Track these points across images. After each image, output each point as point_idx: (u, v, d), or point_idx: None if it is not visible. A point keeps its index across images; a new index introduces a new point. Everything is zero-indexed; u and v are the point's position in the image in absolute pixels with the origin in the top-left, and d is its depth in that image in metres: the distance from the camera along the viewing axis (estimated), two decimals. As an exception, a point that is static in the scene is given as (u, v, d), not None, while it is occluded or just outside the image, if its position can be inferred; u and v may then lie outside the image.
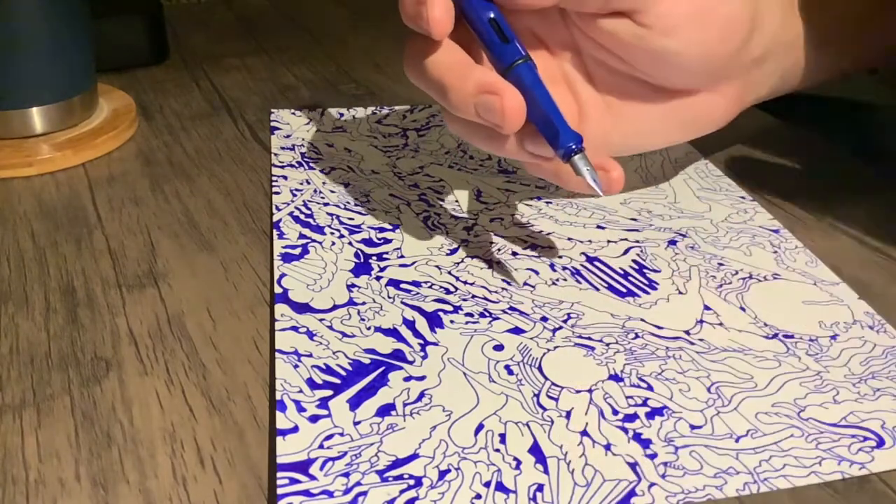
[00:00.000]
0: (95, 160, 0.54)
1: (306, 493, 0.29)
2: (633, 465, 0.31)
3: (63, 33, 0.53)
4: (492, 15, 0.37)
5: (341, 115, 0.59)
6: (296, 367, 0.35)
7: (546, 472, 0.30)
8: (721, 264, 0.43)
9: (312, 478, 0.30)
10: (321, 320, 0.38)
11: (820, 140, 0.58)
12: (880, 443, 0.32)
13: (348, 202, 0.47)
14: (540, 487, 0.30)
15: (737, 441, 0.32)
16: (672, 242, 0.44)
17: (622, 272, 0.42)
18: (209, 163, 0.53)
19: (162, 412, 0.34)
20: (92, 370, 0.36)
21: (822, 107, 0.55)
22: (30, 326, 0.38)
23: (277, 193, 0.48)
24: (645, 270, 0.42)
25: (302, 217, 0.46)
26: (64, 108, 0.55)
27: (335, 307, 0.39)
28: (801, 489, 0.30)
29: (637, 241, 0.44)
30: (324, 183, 0.49)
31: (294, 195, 0.48)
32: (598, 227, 0.45)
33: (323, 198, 0.48)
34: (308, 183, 0.49)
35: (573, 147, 0.35)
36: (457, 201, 0.48)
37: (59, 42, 0.53)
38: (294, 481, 0.30)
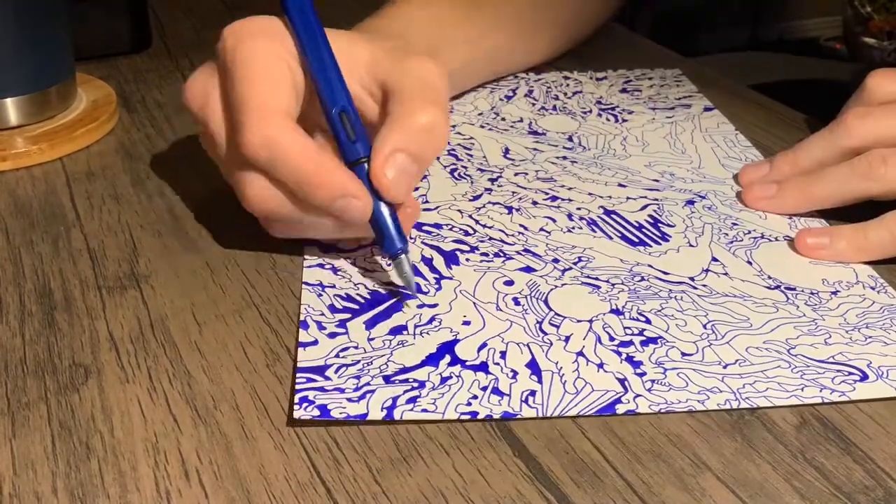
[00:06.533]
0: (73, 154, 0.50)
1: (321, 388, 0.32)
2: (623, 381, 0.33)
3: (39, 20, 0.49)
4: (341, 110, 0.38)
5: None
6: (319, 295, 0.38)
7: (540, 381, 0.33)
8: (735, 224, 0.44)
9: (327, 378, 0.33)
10: (346, 258, 0.40)
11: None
12: (864, 377, 0.33)
13: None
14: (532, 393, 0.32)
15: (724, 367, 0.34)
16: (690, 203, 0.46)
17: (637, 224, 0.44)
18: (194, 157, 0.47)
19: (144, 422, 0.32)
20: (70, 377, 0.34)
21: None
22: (3, 331, 0.36)
23: None
24: (660, 224, 0.44)
25: None
26: (40, 99, 0.51)
27: (361, 248, 0.41)
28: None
29: (656, 200, 0.46)
30: None
31: None
32: (620, 185, 0.47)
33: None
34: None
35: (398, 251, 0.37)
36: (485, 157, 0.50)
37: (34, 29, 0.49)
38: (311, 380, 0.33)
